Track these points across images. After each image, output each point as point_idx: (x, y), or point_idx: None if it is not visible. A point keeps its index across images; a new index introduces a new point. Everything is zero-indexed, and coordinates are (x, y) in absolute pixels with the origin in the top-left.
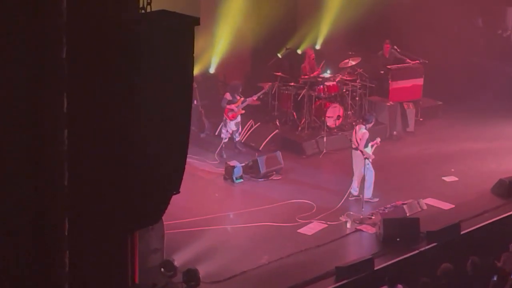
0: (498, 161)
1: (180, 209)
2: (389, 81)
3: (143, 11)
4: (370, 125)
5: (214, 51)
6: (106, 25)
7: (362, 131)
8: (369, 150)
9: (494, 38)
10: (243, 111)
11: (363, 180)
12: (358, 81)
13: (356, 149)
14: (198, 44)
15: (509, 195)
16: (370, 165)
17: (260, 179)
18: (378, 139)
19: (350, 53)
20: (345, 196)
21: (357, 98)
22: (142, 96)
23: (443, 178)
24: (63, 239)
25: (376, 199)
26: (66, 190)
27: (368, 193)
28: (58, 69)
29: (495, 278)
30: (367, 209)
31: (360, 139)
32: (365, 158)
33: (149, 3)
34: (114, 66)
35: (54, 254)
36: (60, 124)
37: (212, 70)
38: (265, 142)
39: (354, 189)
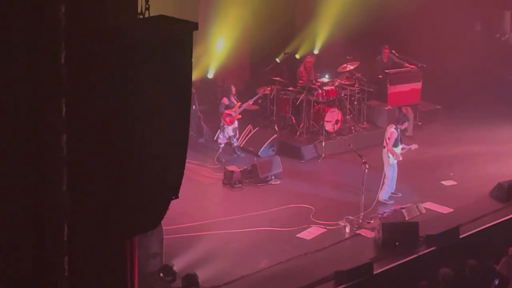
0: (496, 164)
1: (179, 214)
2: (387, 86)
3: (141, 17)
4: (402, 126)
5: (212, 56)
6: (105, 31)
7: (391, 130)
8: (398, 150)
9: (492, 42)
10: (240, 116)
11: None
12: (356, 85)
13: (385, 148)
14: (197, 50)
15: (508, 198)
16: (395, 166)
17: (259, 184)
18: (415, 145)
19: (348, 57)
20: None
21: (355, 103)
22: (140, 101)
23: (441, 182)
24: (63, 244)
25: (392, 201)
26: (65, 196)
27: (384, 195)
28: (57, 74)
29: (496, 282)
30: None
31: (388, 138)
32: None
33: (147, 9)
34: (113, 71)
35: (54, 259)
36: (59, 130)
37: (210, 75)
38: (263, 146)
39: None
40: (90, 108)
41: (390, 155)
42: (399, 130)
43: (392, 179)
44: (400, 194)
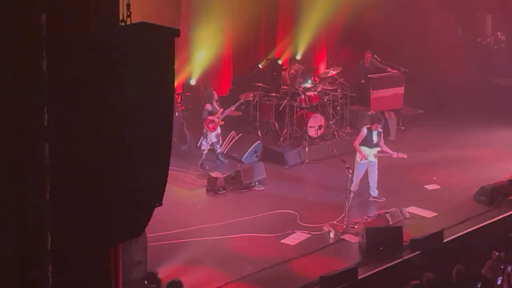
0: (479, 168)
1: (163, 221)
2: (370, 90)
3: (123, 24)
4: (375, 127)
5: (195, 62)
6: (87, 38)
7: (362, 129)
8: (367, 151)
9: (474, 46)
10: (223, 122)
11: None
12: (339, 90)
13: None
14: (179, 56)
15: (491, 202)
16: (362, 164)
17: (242, 190)
18: (401, 154)
19: (331, 62)
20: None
21: (338, 108)
22: (123, 108)
23: (425, 186)
24: (46, 253)
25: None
26: (48, 204)
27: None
28: (39, 83)
29: (479, 285)
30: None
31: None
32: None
33: (129, 16)
34: (95, 79)
35: (37, 268)
36: (41, 138)
37: (193, 82)
38: (247, 152)
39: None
40: (72, 116)
41: (357, 153)
42: (373, 131)
43: (356, 176)
44: (384, 199)
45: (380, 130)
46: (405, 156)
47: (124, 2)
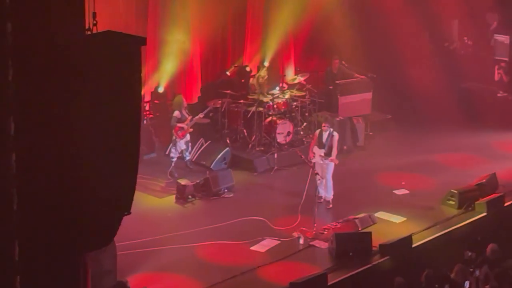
0: (447, 173)
1: (132, 230)
2: (338, 96)
3: (89, 32)
4: (324, 128)
5: (163, 70)
6: (52, 47)
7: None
8: (317, 151)
9: (441, 51)
10: (192, 129)
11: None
12: (307, 97)
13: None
14: (147, 64)
15: (460, 206)
16: (318, 166)
17: (212, 197)
18: (333, 160)
19: (298, 69)
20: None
21: (306, 114)
22: (90, 117)
23: (394, 191)
24: (14, 264)
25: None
26: (15, 215)
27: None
28: (5, 92)
29: None
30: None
31: None
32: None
33: (95, 25)
34: (61, 88)
35: (5, 279)
36: (8, 148)
37: (161, 90)
38: (216, 160)
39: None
40: (39, 126)
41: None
42: (323, 132)
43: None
44: (321, 200)
45: (334, 134)
46: (336, 162)
47: (90, 11)
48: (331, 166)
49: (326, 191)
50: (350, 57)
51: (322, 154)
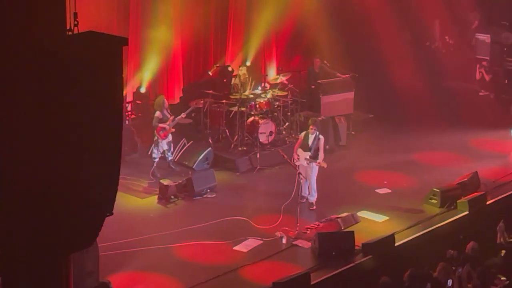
0: (429, 171)
1: (114, 231)
2: (320, 96)
3: (70, 33)
4: (310, 131)
5: (145, 71)
6: (32, 49)
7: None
8: (301, 154)
9: (422, 50)
10: (174, 130)
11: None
12: (289, 96)
13: None
14: (129, 65)
15: (442, 204)
16: (302, 168)
17: (194, 197)
18: (322, 163)
19: (280, 68)
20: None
21: (289, 114)
22: (71, 117)
23: (376, 190)
24: None
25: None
26: None
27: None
28: None
29: (429, 286)
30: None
31: None
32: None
33: (76, 25)
34: (42, 89)
35: None
36: None
37: (143, 90)
38: (198, 160)
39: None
40: (19, 126)
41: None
42: (310, 134)
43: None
44: (304, 198)
45: (320, 137)
46: (325, 166)
47: (71, 11)
48: (315, 169)
49: (310, 194)
50: (332, 56)
51: (308, 157)
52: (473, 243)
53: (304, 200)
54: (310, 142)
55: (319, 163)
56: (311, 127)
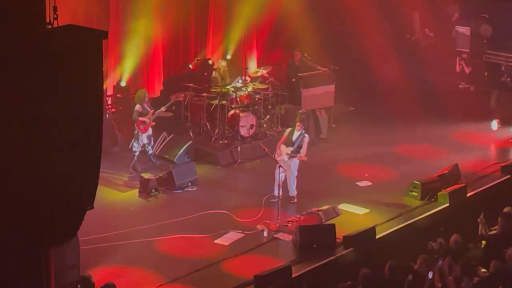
0: (410, 164)
1: (95, 224)
2: (301, 89)
3: (50, 26)
4: (299, 126)
5: (125, 64)
6: (13, 42)
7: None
8: (284, 149)
9: (402, 42)
10: (154, 123)
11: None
12: (270, 89)
13: None
14: (109, 58)
15: (423, 197)
16: (283, 163)
17: (175, 191)
18: (302, 157)
19: (261, 62)
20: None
21: (269, 107)
22: (51, 111)
23: (357, 183)
24: None
25: (275, 200)
26: None
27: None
28: None
29: (410, 278)
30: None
31: None
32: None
33: (55, 18)
34: (22, 82)
35: None
36: None
37: (123, 84)
38: (179, 153)
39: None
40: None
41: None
42: (296, 132)
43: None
44: (296, 200)
45: (305, 135)
46: (305, 159)
47: (50, 4)
48: (295, 164)
49: (290, 189)
50: (312, 49)
51: (289, 152)
52: (456, 236)
53: (276, 199)
54: (294, 138)
55: (300, 156)
56: (298, 124)
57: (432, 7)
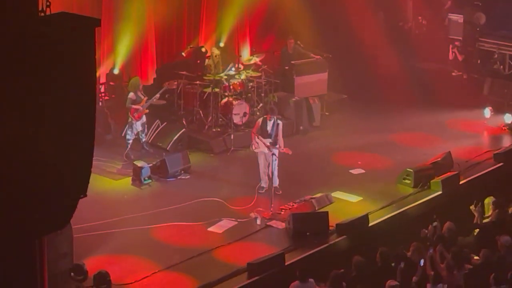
0: (403, 152)
1: (88, 212)
2: (294, 77)
3: (42, 14)
4: (269, 117)
5: (118, 52)
6: (5, 29)
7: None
8: (262, 142)
9: (395, 30)
10: (147, 111)
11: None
12: (263, 77)
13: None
14: (102, 46)
15: (415, 184)
16: (258, 154)
17: (168, 179)
18: (287, 150)
19: (254, 49)
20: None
21: (262, 95)
22: (44, 100)
23: (350, 171)
24: None
25: (262, 191)
26: None
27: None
28: None
29: (402, 265)
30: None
31: None
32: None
33: (48, 6)
34: (14, 70)
35: None
36: None
37: (116, 71)
38: (172, 141)
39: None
40: None
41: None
42: (268, 121)
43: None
44: (280, 192)
45: (278, 122)
46: (290, 152)
47: None
48: (275, 154)
49: (273, 180)
50: (305, 37)
51: (268, 144)
52: (449, 223)
53: (264, 190)
54: (269, 128)
55: (284, 150)
56: (266, 116)
57: None
